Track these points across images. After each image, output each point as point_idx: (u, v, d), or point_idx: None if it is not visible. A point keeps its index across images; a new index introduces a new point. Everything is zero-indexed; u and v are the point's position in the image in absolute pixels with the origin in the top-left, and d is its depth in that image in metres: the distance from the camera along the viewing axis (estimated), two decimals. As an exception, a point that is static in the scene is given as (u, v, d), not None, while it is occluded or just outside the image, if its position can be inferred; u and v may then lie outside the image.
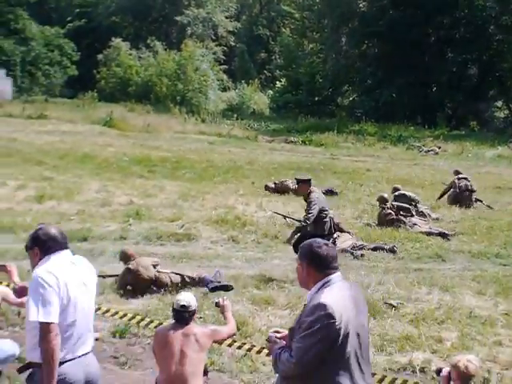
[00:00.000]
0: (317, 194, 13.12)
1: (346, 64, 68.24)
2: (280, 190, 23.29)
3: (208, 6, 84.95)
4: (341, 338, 4.88)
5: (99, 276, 12.67)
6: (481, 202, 22.23)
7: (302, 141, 43.95)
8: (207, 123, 51.14)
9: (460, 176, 22.61)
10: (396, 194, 19.49)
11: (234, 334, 8.01)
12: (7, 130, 37.22)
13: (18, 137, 34.86)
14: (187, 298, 7.21)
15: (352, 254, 15.01)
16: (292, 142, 43.98)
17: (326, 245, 5.26)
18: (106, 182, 23.22)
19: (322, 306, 4.86)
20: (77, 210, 18.29)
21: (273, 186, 23.57)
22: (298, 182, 13.30)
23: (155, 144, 36.94)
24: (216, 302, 7.71)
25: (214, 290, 11.79)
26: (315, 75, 67.88)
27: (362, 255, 14.96)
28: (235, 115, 56.86)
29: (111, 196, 20.65)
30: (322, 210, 12.89)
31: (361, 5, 68.10)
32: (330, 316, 4.83)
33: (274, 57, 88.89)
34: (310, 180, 13.27)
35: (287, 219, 17.60)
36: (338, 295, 5.01)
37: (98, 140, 36.74)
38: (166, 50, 68.83)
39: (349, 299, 5.07)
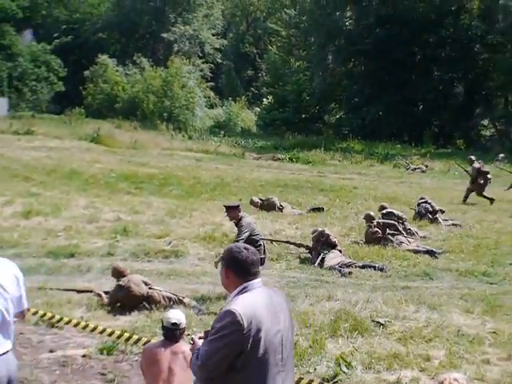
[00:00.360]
0: (247, 219, 13.15)
1: (333, 82, 68.57)
2: (266, 207, 23.29)
3: (195, 24, 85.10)
4: (250, 344, 4.90)
5: (71, 290, 12.73)
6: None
7: (289, 158, 44.11)
8: (194, 140, 51.30)
9: (420, 201, 22.72)
10: (383, 211, 19.48)
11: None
12: (-6, 146, 37.18)
13: (5, 152, 34.80)
14: (177, 315, 7.22)
15: (340, 271, 15.03)
16: (279, 159, 44.14)
17: (247, 249, 5.27)
18: (94, 199, 23.16)
19: (231, 313, 4.89)
20: (64, 226, 18.22)
21: (259, 201, 23.59)
22: (227, 208, 13.26)
23: (142, 160, 36.96)
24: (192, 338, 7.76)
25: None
26: (302, 93, 68.13)
27: (349, 273, 14.98)
28: (222, 132, 57.13)
29: (98, 212, 20.55)
30: (252, 234, 12.91)
31: (347, 23, 68.54)
32: (238, 323, 4.85)
33: (260, 74, 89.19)
34: (238, 206, 13.30)
35: (274, 243, 17.51)
36: (251, 302, 5.02)
37: (86, 156, 36.72)
38: (152, 66, 68.85)
39: (264, 306, 5.07)
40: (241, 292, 5.13)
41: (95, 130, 46.55)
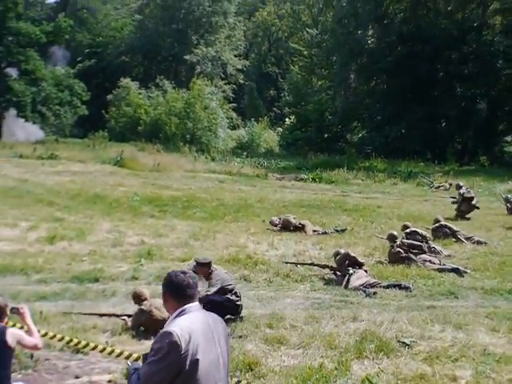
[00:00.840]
0: (218, 271, 12.98)
1: (355, 100, 68.54)
2: (283, 225, 23.32)
3: (217, 45, 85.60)
4: (188, 365, 5.09)
5: (95, 314, 12.76)
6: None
7: (312, 178, 44.03)
8: (217, 161, 51.31)
9: (436, 225, 22.61)
10: (407, 231, 19.42)
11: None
12: (18, 171, 37.43)
13: (29, 178, 35.05)
14: None
15: (364, 291, 14.95)
16: (302, 179, 44.07)
17: (184, 273, 5.53)
18: (117, 222, 23.26)
19: (168, 334, 5.11)
20: (88, 251, 18.27)
21: (277, 221, 23.61)
22: (198, 264, 13.11)
23: (166, 183, 37.07)
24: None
25: None
26: (324, 112, 68.12)
27: (374, 293, 14.89)
28: (245, 153, 57.17)
29: (122, 236, 20.60)
30: (225, 285, 12.74)
31: (369, 41, 68.65)
32: (175, 343, 5.06)
33: (283, 94, 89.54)
34: (209, 263, 13.04)
35: (298, 266, 17.46)
36: (188, 324, 5.24)
37: (109, 180, 36.87)
38: (174, 88, 69.16)
39: (201, 329, 5.29)
40: (179, 315, 5.35)
41: (118, 153, 46.68)
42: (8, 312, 7.98)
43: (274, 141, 72.15)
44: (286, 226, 23.23)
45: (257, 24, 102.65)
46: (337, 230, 23.35)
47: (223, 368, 5.45)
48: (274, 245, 20.27)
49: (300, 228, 23.21)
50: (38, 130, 64.47)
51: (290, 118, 72.58)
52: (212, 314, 5.71)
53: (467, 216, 27.43)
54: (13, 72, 60.74)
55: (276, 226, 23.43)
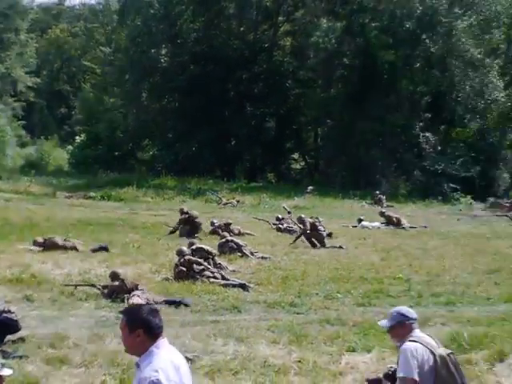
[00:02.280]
0: None
1: (147, 118, 68.45)
2: (47, 247, 22.43)
3: (7, 61, 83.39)
4: None
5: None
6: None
7: (101, 196, 43.71)
8: (4, 180, 49.70)
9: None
10: (193, 247, 19.54)
11: None
12: None
13: None
14: None
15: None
16: (91, 197, 43.64)
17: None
18: None
19: None
20: None
21: (42, 241, 22.70)
22: None
23: None
24: None
25: None
26: (116, 130, 67.73)
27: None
28: (33, 171, 55.80)
29: None
30: None
31: (162, 60, 68.78)
32: None
33: (74, 112, 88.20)
34: None
35: (76, 288, 16.98)
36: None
37: None
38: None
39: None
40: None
41: None
42: None
43: (63, 159, 71.03)
44: (51, 247, 22.49)
45: (49, 41, 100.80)
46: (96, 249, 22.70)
47: None
48: (60, 264, 19.84)
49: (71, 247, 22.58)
50: None
51: (80, 136, 71.52)
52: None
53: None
54: None
55: (41, 246, 22.62)
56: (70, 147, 74.29)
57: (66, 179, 53.40)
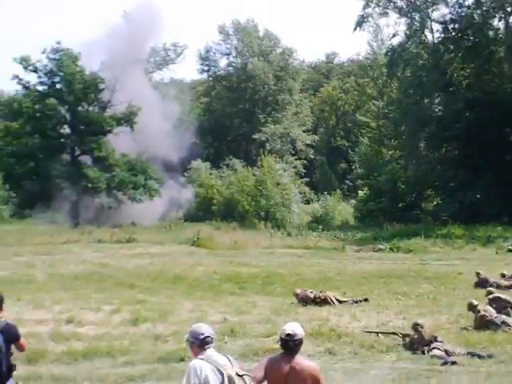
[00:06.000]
0: None
1: (427, 168, 68.07)
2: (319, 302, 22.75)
3: (285, 122, 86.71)
4: None
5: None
6: None
7: (389, 248, 43.74)
8: (293, 237, 51.32)
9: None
10: (490, 297, 19.13)
11: None
12: (98, 256, 38.03)
13: (109, 262, 35.55)
14: (292, 326, 7.81)
15: (445, 360, 14.78)
16: (380, 249, 43.81)
17: None
18: (199, 301, 23.40)
19: None
20: (172, 331, 18.38)
21: (312, 296, 23.03)
22: None
23: (244, 260, 37.18)
24: None
25: None
26: (397, 182, 67.75)
27: (453, 362, 14.67)
28: (320, 226, 57.15)
29: (205, 315, 20.65)
30: None
31: (436, 109, 68.48)
32: None
33: (354, 166, 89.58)
34: None
35: (380, 335, 17.32)
36: None
37: (188, 260, 37.13)
38: (244, 167, 70.03)
39: None
40: None
41: (195, 233, 47.16)
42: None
43: (348, 213, 72.14)
44: (306, 300, 22.89)
45: (323, 99, 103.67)
46: (355, 301, 22.86)
47: None
48: (356, 316, 20.17)
49: (322, 300, 22.81)
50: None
51: (362, 190, 72.39)
52: None
53: None
54: (87, 159, 62.32)
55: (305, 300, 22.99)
56: (353, 201, 75.49)
57: (352, 233, 53.96)
